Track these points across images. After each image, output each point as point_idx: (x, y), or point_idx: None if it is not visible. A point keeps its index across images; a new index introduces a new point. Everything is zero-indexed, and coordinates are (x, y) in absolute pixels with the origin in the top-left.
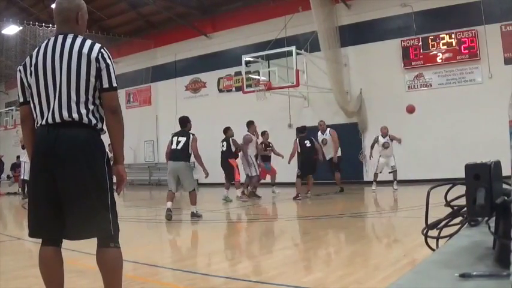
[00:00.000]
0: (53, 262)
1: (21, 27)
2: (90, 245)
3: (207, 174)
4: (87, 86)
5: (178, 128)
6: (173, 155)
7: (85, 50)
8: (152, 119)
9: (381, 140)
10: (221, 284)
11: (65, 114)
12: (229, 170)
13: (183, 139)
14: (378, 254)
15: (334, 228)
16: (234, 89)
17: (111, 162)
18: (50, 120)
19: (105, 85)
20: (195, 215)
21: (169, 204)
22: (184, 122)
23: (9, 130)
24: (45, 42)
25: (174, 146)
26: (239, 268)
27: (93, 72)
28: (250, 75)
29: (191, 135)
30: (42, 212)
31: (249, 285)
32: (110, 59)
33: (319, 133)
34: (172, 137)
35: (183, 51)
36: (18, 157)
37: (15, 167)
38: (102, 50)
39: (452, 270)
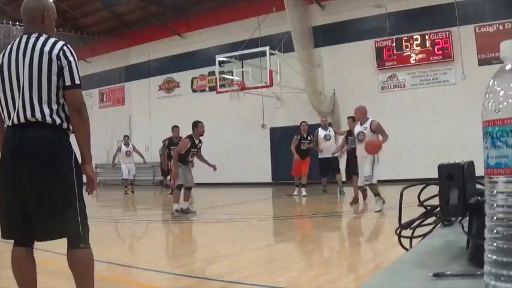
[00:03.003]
0: (25, 263)
1: None
2: (64, 245)
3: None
4: (49, 84)
5: (152, 128)
6: None
7: (46, 48)
8: (125, 118)
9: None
10: (195, 284)
11: (29, 114)
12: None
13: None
14: (351, 254)
15: (307, 228)
16: (207, 89)
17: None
18: (15, 121)
19: (68, 83)
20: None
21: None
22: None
23: None
24: (12, 43)
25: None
26: (213, 268)
27: (54, 69)
28: (223, 75)
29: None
30: (11, 214)
31: (223, 285)
32: (72, 56)
33: (320, 130)
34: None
35: (157, 50)
36: None
37: None
38: (64, 47)
39: (426, 269)
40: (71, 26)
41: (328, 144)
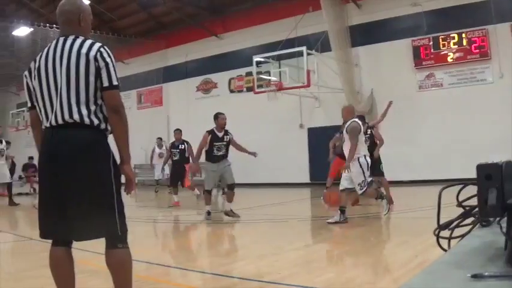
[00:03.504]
0: (63, 262)
1: (31, 29)
2: (102, 244)
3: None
4: (86, 86)
5: (189, 128)
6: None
7: (84, 50)
8: (163, 119)
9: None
10: (233, 284)
11: (66, 115)
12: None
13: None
14: (389, 255)
15: (345, 228)
16: (245, 89)
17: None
18: (53, 123)
19: (105, 84)
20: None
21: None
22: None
23: (21, 131)
24: (48, 45)
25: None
26: (251, 268)
27: (92, 71)
28: (261, 76)
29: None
30: (50, 213)
31: (261, 285)
32: (110, 57)
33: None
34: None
35: (194, 51)
36: (30, 158)
37: (27, 167)
38: (101, 48)
39: (464, 270)
40: (108, 28)
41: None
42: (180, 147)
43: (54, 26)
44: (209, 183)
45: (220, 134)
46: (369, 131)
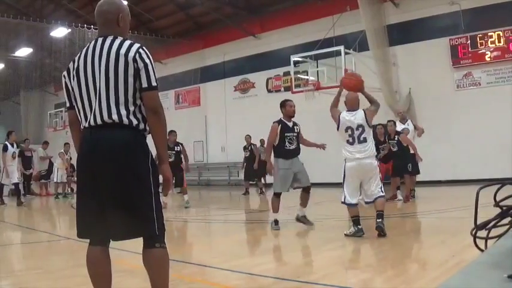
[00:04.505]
0: (100, 262)
1: (69, 30)
2: (139, 244)
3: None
4: (125, 86)
5: (227, 128)
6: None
7: (122, 50)
8: (201, 119)
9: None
10: (269, 284)
11: (105, 116)
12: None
13: None
14: (426, 255)
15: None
16: (282, 89)
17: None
18: (92, 123)
19: (144, 85)
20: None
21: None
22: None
23: (59, 131)
24: (87, 45)
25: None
26: (287, 268)
27: (131, 72)
28: (299, 75)
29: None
30: (88, 213)
31: (298, 285)
32: (148, 58)
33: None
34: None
35: (232, 51)
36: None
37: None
38: (140, 49)
39: (500, 271)
40: (146, 28)
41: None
42: (176, 149)
43: (92, 26)
44: (282, 185)
45: (290, 124)
46: (396, 137)
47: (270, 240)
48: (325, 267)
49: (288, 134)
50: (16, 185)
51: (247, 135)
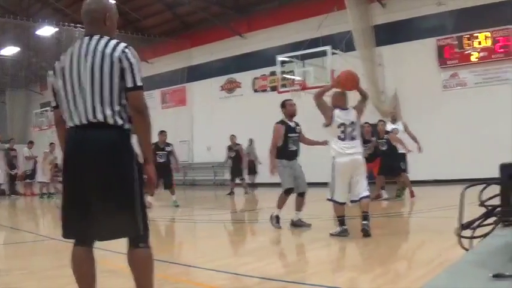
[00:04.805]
0: (84, 262)
1: (56, 29)
2: (124, 244)
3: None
4: (111, 86)
5: (213, 128)
6: None
7: (108, 50)
8: (187, 119)
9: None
10: (254, 284)
11: (90, 116)
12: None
13: None
14: (411, 254)
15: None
16: (269, 89)
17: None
18: (77, 122)
19: (129, 84)
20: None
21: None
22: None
23: (44, 131)
24: (73, 45)
25: None
26: (272, 268)
27: (116, 72)
28: (285, 75)
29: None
30: (73, 213)
31: (284, 285)
32: (134, 57)
33: (388, 124)
34: None
35: (218, 51)
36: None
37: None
38: (125, 49)
39: (485, 270)
40: (133, 27)
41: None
42: (166, 150)
43: (79, 25)
44: (289, 181)
45: (292, 124)
46: (385, 136)
47: (256, 240)
48: (311, 267)
49: (291, 135)
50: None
51: (232, 135)
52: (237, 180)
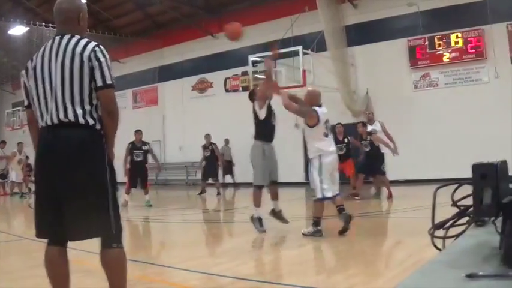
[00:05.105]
0: (58, 262)
1: (27, 28)
2: (97, 244)
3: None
4: (81, 85)
5: (185, 128)
6: None
7: (78, 49)
8: (159, 118)
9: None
10: (227, 283)
11: (61, 115)
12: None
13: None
14: (384, 254)
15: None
16: (240, 88)
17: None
18: (48, 122)
19: (99, 83)
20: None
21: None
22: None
23: (16, 130)
24: (45, 44)
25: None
26: (245, 268)
27: (86, 71)
28: (257, 75)
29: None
30: (46, 213)
31: (256, 285)
32: (104, 56)
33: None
34: None
35: (190, 51)
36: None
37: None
38: (95, 48)
39: (459, 270)
40: (104, 27)
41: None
42: (143, 148)
43: (50, 25)
44: (265, 177)
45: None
46: (368, 137)
47: (229, 240)
48: (284, 267)
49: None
50: None
51: (207, 134)
52: (210, 180)
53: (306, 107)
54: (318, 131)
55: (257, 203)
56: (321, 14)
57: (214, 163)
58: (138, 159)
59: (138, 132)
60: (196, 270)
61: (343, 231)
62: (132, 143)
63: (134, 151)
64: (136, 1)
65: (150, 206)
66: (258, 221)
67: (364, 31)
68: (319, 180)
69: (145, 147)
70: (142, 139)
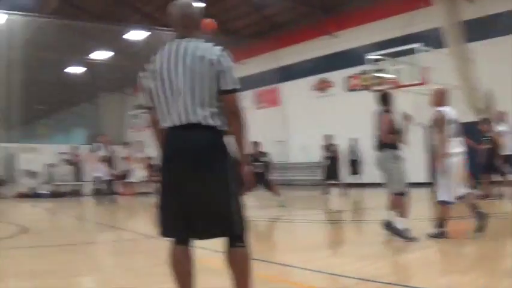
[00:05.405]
0: (183, 261)
1: (146, 33)
2: (220, 243)
3: None
4: (207, 88)
5: (307, 128)
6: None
7: (204, 53)
8: (280, 119)
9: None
10: (352, 284)
11: (187, 117)
12: None
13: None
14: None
15: (470, 229)
16: (361, 87)
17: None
18: (173, 123)
19: (225, 87)
20: (392, 229)
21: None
22: (383, 98)
23: (139, 132)
24: (165, 47)
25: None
26: (370, 269)
27: (212, 74)
28: (376, 74)
29: (383, 112)
30: (172, 212)
31: (380, 286)
32: (230, 60)
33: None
34: None
35: (309, 51)
36: (149, 158)
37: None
38: (221, 51)
39: None
40: (222, 29)
41: (506, 140)
42: (262, 160)
43: (168, 29)
44: (404, 181)
45: None
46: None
47: (352, 241)
48: (408, 268)
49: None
50: (107, 181)
51: (327, 134)
52: (332, 181)
53: (442, 118)
54: (447, 131)
55: (403, 212)
56: (437, 10)
57: (335, 164)
58: (258, 170)
59: (255, 143)
60: (320, 271)
61: (479, 230)
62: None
63: (253, 163)
64: (252, 3)
65: (282, 206)
66: (405, 232)
67: (483, 26)
68: (444, 181)
69: (263, 159)
70: (262, 140)
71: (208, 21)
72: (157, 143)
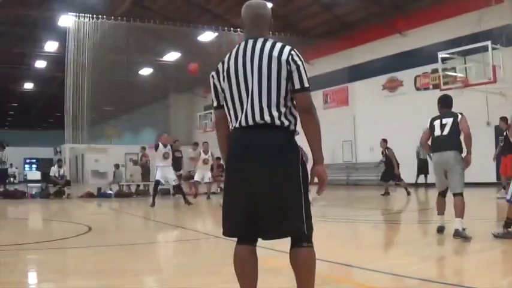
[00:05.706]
0: (247, 261)
1: (216, 34)
2: (285, 243)
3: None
4: (278, 88)
5: (376, 128)
6: (437, 143)
7: (275, 53)
8: (349, 119)
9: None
10: (416, 285)
11: (257, 117)
12: None
13: (449, 121)
14: None
15: None
16: (431, 86)
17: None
18: (243, 123)
19: (297, 86)
20: (459, 234)
21: (440, 219)
22: (449, 101)
23: (208, 132)
24: (236, 47)
25: (437, 133)
26: (434, 270)
27: (284, 74)
28: (447, 72)
29: (459, 115)
30: (236, 212)
31: (445, 287)
32: (300, 60)
33: None
34: (432, 122)
35: (379, 49)
36: (217, 158)
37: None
38: (292, 51)
39: None
40: (292, 29)
41: None
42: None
43: (239, 30)
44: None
45: None
46: None
47: (417, 241)
48: (473, 269)
49: None
50: (177, 186)
51: (383, 139)
52: (391, 182)
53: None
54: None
55: (463, 212)
56: (507, 6)
57: (390, 167)
58: None
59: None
60: (383, 271)
61: None
62: None
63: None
64: (322, 3)
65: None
66: (464, 232)
67: None
68: None
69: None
70: (330, 140)
71: (194, 66)
72: (220, 143)
